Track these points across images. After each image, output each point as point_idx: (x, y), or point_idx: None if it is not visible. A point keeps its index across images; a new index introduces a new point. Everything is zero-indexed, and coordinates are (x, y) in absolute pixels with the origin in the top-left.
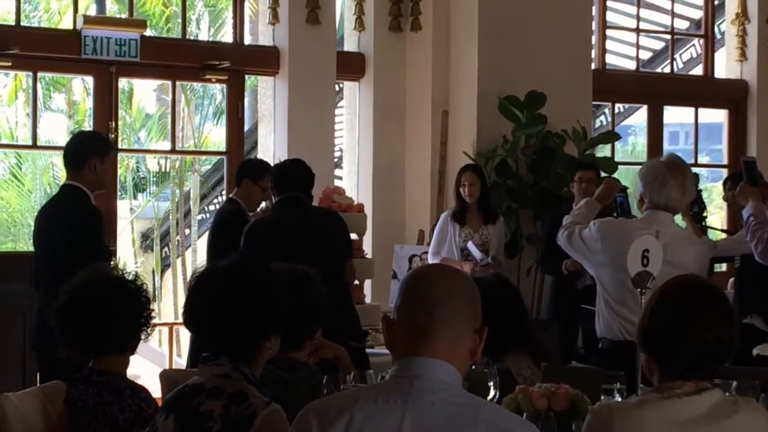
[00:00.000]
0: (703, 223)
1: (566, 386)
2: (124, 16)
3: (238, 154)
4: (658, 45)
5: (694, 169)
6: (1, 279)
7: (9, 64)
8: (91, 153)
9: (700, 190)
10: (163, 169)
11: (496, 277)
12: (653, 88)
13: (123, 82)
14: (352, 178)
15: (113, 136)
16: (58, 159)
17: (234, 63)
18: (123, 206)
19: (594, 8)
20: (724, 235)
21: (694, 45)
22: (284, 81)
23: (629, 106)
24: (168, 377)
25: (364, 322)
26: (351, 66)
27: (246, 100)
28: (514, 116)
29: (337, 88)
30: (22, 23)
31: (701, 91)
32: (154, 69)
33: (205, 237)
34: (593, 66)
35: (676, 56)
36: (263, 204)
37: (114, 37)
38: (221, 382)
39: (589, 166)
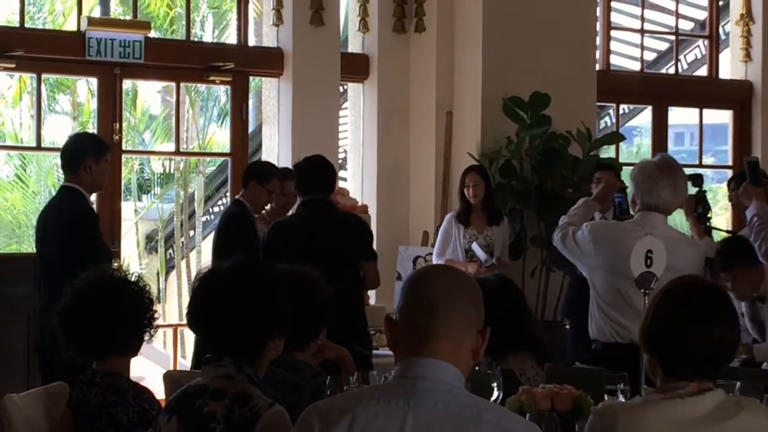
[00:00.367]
0: (708, 224)
1: (570, 387)
2: (128, 17)
3: (242, 155)
4: (663, 46)
5: (699, 170)
6: (6, 281)
7: (13, 65)
8: (86, 154)
9: (705, 191)
10: (167, 171)
11: (499, 278)
12: (658, 89)
13: (127, 84)
14: (357, 179)
15: (117, 137)
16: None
17: (238, 64)
18: (127, 208)
19: (598, 9)
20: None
21: (698, 46)
22: (288, 82)
23: (634, 107)
24: (171, 378)
25: (369, 323)
26: (355, 67)
27: (250, 102)
28: (519, 117)
29: (341, 90)
30: (26, 25)
31: (706, 91)
32: (158, 70)
33: (209, 238)
34: (598, 67)
35: (681, 57)
36: (269, 206)
37: (118, 38)
38: (224, 384)
39: (608, 167)
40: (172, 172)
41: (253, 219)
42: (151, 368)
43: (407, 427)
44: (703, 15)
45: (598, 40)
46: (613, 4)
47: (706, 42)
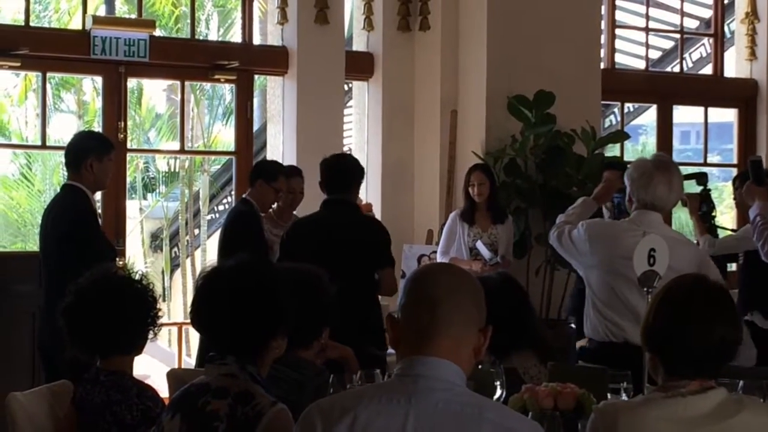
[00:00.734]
0: (712, 222)
1: (572, 386)
2: (133, 16)
3: (246, 154)
4: (668, 44)
5: (704, 169)
6: (11, 279)
7: (18, 64)
8: (89, 153)
9: (709, 190)
10: (172, 169)
11: (502, 276)
12: (662, 88)
13: (132, 82)
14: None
15: (122, 136)
16: None
17: (243, 63)
18: (132, 206)
19: (603, 7)
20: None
21: (703, 44)
22: (293, 81)
23: (639, 105)
24: (175, 377)
25: None
26: (360, 66)
27: (256, 100)
28: (523, 116)
29: (345, 88)
30: (31, 23)
31: (711, 90)
32: (163, 69)
33: (214, 237)
34: (602, 65)
35: (686, 55)
36: (275, 204)
37: (123, 37)
38: (227, 382)
39: (616, 166)
40: (177, 170)
41: (260, 218)
42: (156, 366)
43: (409, 426)
44: (708, 13)
45: (603, 39)
46: (618, 3)
47: (711, 40)
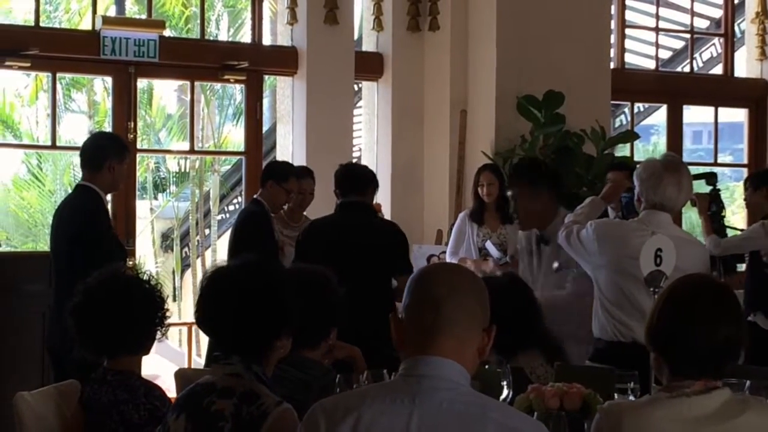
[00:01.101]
0: (722, 222)
1: (579, 386)
2: (143, 16)
3: (256, 154)
4: (678, 44)
5: (714, 169)
6: (22, 279)
7: (28, 64)
8: (110, 155)
9: (719, 190)
10: (182, 170)
11: (509, 276)
12: (673, 88)
13: (143, 83)
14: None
15: (132, 136)
16: (78, 159)
17: (252, 63)
18: (143, 206)
19: (613, 7)
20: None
21: (714, 44)
22: (302, 81)
23: (649, 105)
24: (183, 376)
25: None
26: (369, 66)
27: (266, 101)
28: (533, 116)
29: (355, 88)
30: (41, 24)
31: (721, 90)
32: (173, 69)
33: (225, 237)
34: (612, 65)
35: (696, 55)
36: (286, 205)
37: (133, 37)
38: (232, 382)
39: (621, 166)
40: (187, 170)
41: (270, 218)
42: (166, 366)
43: (413, 426)
44: (718, 13)
45: (613, 39)
46: (628, 2)
47: (722, 40)
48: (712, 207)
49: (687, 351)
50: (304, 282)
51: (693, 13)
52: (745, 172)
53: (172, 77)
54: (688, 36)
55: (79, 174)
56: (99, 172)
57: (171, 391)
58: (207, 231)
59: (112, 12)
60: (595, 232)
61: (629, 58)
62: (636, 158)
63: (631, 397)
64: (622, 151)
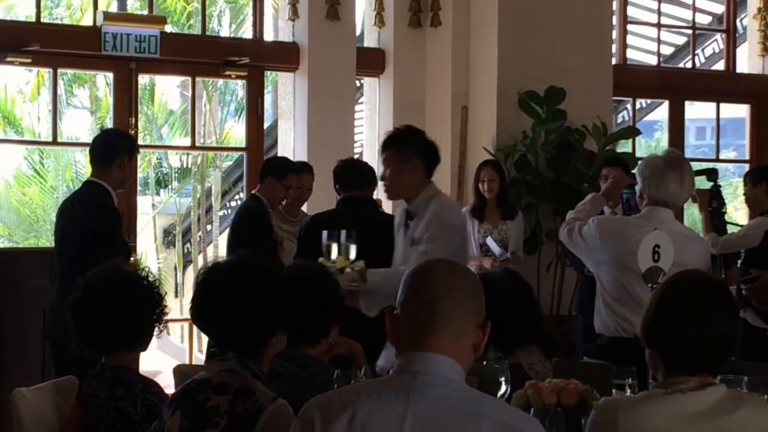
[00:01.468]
0: (722, 219)
1: (576, 381)
2: (144, 12)
3: (258, 150)
4: (680, 40)
5: (717, 165)
6: (23, 275)
7: (29, 60)
8: (121, 152)
9: (719, 186)
10: (184, 165)
11: (507, 272)
12: (675, 84)
13: (145, 78)
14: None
15: (133, 132)
16: (80, 155)
17: (253, 59)
18: (145, 202)
19: (615, 3)
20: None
21: (716, 40)
22: (304, 77)
23: (651, 101)
24: (181, 372)
25: None
26: (371, 62)
27: (268, 96)
28: (534, 112)
29: (357, 84)
30: (43, 20)
31: (723, 86)
32: (174, 65)
33: (226, 233)
34: (614, 61)
35: (698, 51)
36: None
37: (134, 33)
38: (228, 378)
39: (616, 162)
40: (189, 166)
41: (268, 215)
42: (167, 362)
43: (407, 422)
44: (720, 9)
45: (615, 34)
46: None
47: (724, 36)
48: (713, 203)
49: (682, 347)
50: (304, 279)
51: (695, 9)
52: (747, 167)
53: (174, 73)
54: (690, 32)
55: (81, 170)
56: (109, 169)
57: (171, 387)
58: (209, 227)
59: (113, 8)
60: (598, 228)
61: (631, 54)
62: (638, 154)
63: (629, 393)
64: (624, 147)
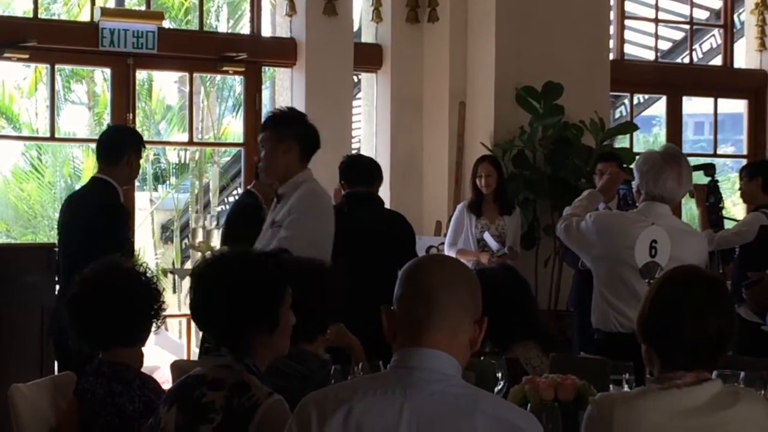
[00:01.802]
0: (720, 214)
1: (573, 377)
2: (142, 8)
3: (255, 145)
4: (678, 35)
5: (714, 160)
6: (21, 270)
7: (27, 56)
8: (130, 148)
9: (717, 181)
10: (182, 161)
11: (504, 268)
12: (672, 79)
13: (143, 74)
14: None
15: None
16: (78, 151)
17: (251, 55)
18: (143, 198)
19: None
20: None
21: (713, 35)
22: (301, 72)
23: (649, 96)
24: (179, 368)
25: None
26: (368, 57)
27: (266, 92)
28: (532, 107)
29: (354, 80)
30: (40, 16)
31: (720, 81)
32: (172, 61)
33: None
34: (611, 56)
35: (696, 46)
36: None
37: (131, 29)
38: (223, 373)
39: (610, 157)
40: (187, 162)
41: (262, 210)
42: (165, 357)
43: (403, 417)
44: (718, 4)
45: (612, 29)
46: None
47: (721, 31)
48: (711, 198)
49: (678, 343)
50: (302, 274)
51: (692, 4)
52: (745, 162)
53: (171, 69)
54: (687, 27)
55: (79, 165)
56: (117, 165)
57: (169, 383)
58: (207, 222)
59: (110, 3)
60: (595, 223)
61: (629, 49)
62: (636, 150)
63: (626, 388)
64: (622, 142)
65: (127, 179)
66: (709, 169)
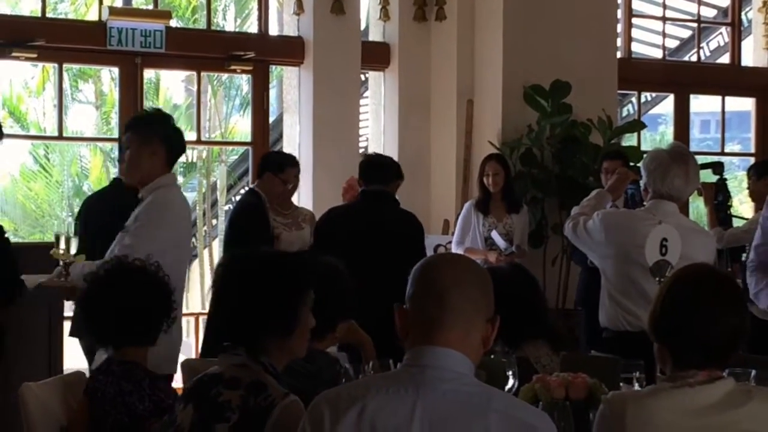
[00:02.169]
0: (728, 212)
1: (584, 375)
2: (149, 7)
3: (263, 144)
4: (685, 33)
5: (721, 158)
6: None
7: (35, 55)
8: None
9: (725, 179)
10: (190, 160)
11: (513, 266)
12: (680, 77)
13: (150, 73)
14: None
15: None
16: (86, 150)
17: (259, 53)
18: None
19: None
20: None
21: (721, 33)
22: (309, 71)
23: (657, 95)
24: (189, 366)
25: None
26: (376, 56)
27: (273, 91)
28: (539, 105)
29: (362, 78)
30: (48, 15)
31: (728, 79)
32: (180, 60)
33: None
34: (619, 55)
35: (703, 45)
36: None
37: (139, 28)
38: (239, 372)
39: (616, 155)
40: (194, 161)
41: (266, 209)
42: None
43: (416, 416)
44: (725, 2)
45: (620, 28)
46: None
47: (729, 29)
48: (719, 197)
49: (690, 341)
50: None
51: (700, 2)
52: (752, 161)
53: (179, 68)
54: (695, 25)
55: (87, 165)
56: None
57: (178, 381)
58: (214, 221)
59: (118, 2)
60: (602, 221)
61: (636, 47)
62: (643, 148)
63: (637, 387)
64: (629, 140)
65: None
66: (718, 168)
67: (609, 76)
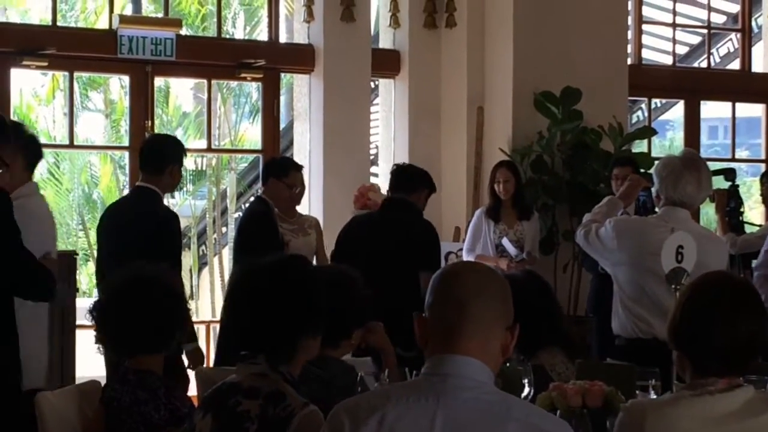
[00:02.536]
0: (740, 219)
1: (600, 383)
2: (159, 15)
3: (273, 152)
4: (695, 40)
5: (731, 164)
6: None
7: (45, 64)
8: (174, 159)
9: (737, 186)
10: (199, 168)
11: (528, 274)
12: (690, 83)
13: (160, 81)
14: (388, 175)
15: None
16: (95, 158)
17: (269, 61)
18: None
19: (630, 3)
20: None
21: (731, 39)
22: (319, 79)
23: (667, 101)
24: (203, 375)
25: None
26: (386, 63)
27: (283, 98)
28: (550, 112)
29: (372, 86)
30: (58, 23)
31: (738, 85)
32: (190, 68)
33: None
34: (629, 61)
35: (713, 51)
36: None
37: (150, 36)
38: (258, 382)
39: (626, 162)
40: (204, 168)
41: (274, 216)
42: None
43: (437, 425)
44: (735, 8)
45: (630, 34)
46: None
47: (739, 35)
48: (731, 203)
49: (710, 349)
50: (328, 281)
51: (710, 9)
52: (762, 167)
53: (189, 76)
54: (705, 31)
55: (97, 173)
56: (161, 175)
57: (192, 390)
58: (224, 229)
59: (128, 11)
60: (615, 228)
61: (646, 53)
62: (653, 154)
63: (653, 394)
64: (639, 147)
65: (170, 188)
66: (730, 174)
67: (619, 82)
